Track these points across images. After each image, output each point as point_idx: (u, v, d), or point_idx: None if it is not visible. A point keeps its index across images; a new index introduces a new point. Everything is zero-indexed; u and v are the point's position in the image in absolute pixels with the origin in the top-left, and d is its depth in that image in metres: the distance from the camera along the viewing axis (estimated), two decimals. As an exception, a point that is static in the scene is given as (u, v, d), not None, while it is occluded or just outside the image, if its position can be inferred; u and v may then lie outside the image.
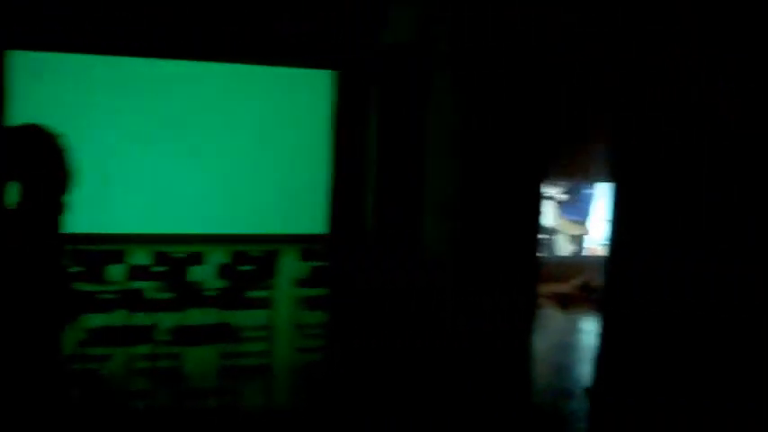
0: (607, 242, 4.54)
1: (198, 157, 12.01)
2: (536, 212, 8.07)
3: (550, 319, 8.15)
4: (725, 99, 3.17)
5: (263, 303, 5.72)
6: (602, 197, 9.99)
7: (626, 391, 3.71)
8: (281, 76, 12.28)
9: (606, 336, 4.15)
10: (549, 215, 9.92)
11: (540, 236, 8.33)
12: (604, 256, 4.78)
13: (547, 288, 8.96)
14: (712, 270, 3.05)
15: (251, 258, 6.74)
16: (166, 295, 5.38)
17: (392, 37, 10.01)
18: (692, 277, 3.18)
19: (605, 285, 4.60)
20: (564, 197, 10.11)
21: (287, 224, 12.32)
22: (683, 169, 3.44)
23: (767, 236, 2.86)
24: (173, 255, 6.68)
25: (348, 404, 4.86)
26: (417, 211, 8.72)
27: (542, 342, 7.24)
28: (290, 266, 7.32)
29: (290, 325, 6.38)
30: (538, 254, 8.22)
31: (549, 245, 10.07)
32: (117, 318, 5.14)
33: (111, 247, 7.21)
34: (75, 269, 5.91)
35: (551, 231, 10.08)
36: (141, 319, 5.05)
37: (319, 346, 6.35)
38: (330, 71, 12.36)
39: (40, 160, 2.32)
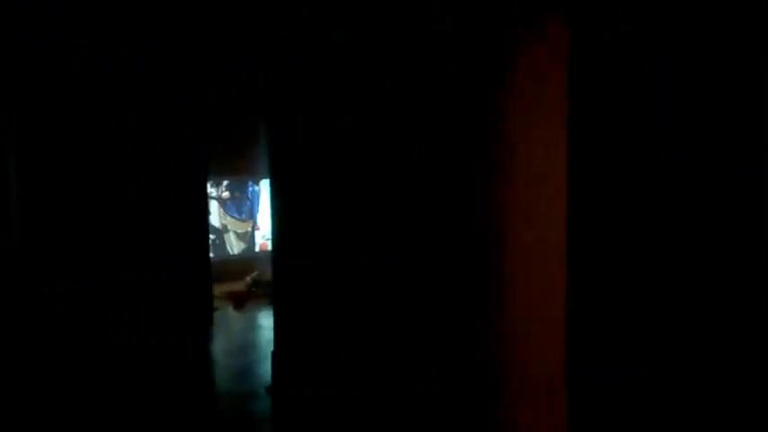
0: (271, 237, 4.59)
1: None
2: (203, 214, 7.84)
3: (227, 319, 8.03)
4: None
5: None
6: (266, 193, 10.21)
7: (300, 384, 3.79)
8: None
9: (278, 331, 4.18)
10: (215, 215, 9.78)
11: (209, 237, 8.15)
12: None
13: (221, 288, 8.83)
14: (363, 260, 3.27)
15: None
16: None
17: None
18: (344, 269, 3.37)
19: (273, 280, 4.65)
20: (228, 195, 10.06)
21: None
22: (358, 165, 3.62)
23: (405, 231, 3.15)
24: None
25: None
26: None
27: (221, 344, 7.08)
28: None
29: None
30: (209, 255, 8.01)
31: (220, 245, 9.94)
32: None
33: None
34: None
35: (219, 231, 9.96)
36: None
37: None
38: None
39: None
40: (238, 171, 9.99)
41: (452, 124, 2.98)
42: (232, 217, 10.11)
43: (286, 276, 4.12)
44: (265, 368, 5.72)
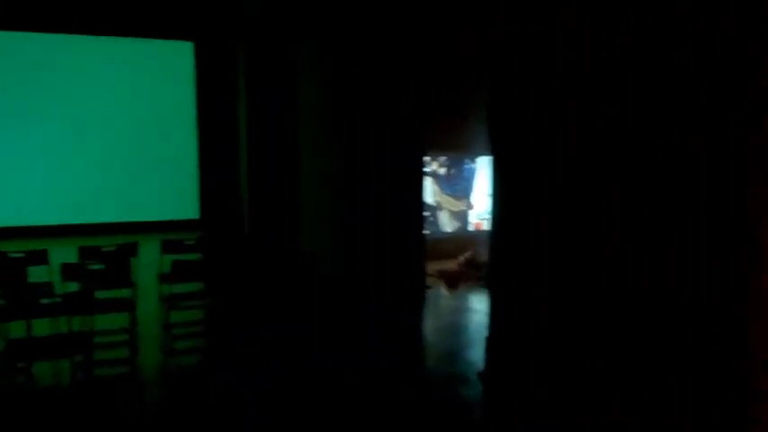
0: (490, 217, 4.29)
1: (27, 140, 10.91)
2: (419, 189, 7.80)
3: (439, 299, 7.93)
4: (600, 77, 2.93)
5: (121, 305, 5.08)
6: (483, 171, 9.94)
7: (516, 373, 3.47)
8: (131, 48, 11.30)
9: (494, 315, 3.89)
10: (429, 191, 9.75)
11: (423, 213, 8.11)
12: (489, 231, 4.55)
13: (433, 266, 8.77)
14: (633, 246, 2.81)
15: (102, 254, 5.90)
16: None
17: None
18: (585, 251, 2.95)
19: (490, 262, 4.35)
20: (443, 171, 9.95)
21: (146, 211, 11.44)
22: (556, 144, 3.19)
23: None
24: (9, 255, 5.69)
25: (238, 408, 4.33)
26: (293, 197, 8.26)
27: (433, 324, 7.00)
28: (152, 259, 6.55)
29: (155, 326, 5.73)
30: (423, 232, 7.98)
31: (433, 222, 9.90)
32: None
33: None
34: None
35: (433, 208, 9.90)
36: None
37: (194, 346, 5.77)
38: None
39: None
40: (455, 147, 9.83)
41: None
42: (447, 194, 10.00)
43: (504, 260, 3.80)
44: (476, 352, 5.49)
